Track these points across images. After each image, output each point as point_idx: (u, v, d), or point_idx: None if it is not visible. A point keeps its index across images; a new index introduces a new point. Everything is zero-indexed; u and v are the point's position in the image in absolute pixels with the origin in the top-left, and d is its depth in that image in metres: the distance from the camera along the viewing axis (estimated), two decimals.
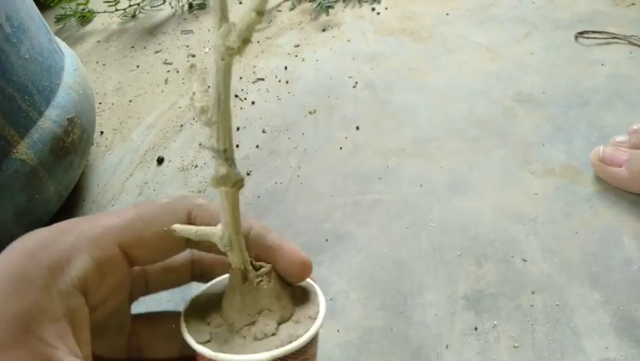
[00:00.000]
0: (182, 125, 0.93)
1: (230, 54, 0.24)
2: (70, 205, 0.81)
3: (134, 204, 0.30)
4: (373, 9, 1.15)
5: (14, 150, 0.65)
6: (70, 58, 0.84)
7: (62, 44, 0.87)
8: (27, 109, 0.68)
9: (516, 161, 0.74)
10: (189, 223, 0.30)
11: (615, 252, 0.60)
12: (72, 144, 0.74)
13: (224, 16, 0.24)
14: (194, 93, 0.26)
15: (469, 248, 0.63)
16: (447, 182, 0.73)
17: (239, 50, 0.24)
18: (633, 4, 0.99)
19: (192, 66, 0.28)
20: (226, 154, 0.27)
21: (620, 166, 0.64)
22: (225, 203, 0.27)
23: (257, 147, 0.86)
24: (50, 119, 0.71)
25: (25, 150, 0.66)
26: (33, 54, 0.70)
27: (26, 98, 0.67)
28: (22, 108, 0.67)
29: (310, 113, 0.90)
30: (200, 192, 0.80)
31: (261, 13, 0.22)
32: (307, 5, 1.20)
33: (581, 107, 0.80)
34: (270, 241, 0.31)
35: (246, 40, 0.23)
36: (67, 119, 0.74)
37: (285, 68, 1.02)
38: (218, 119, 0.26)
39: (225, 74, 0.25)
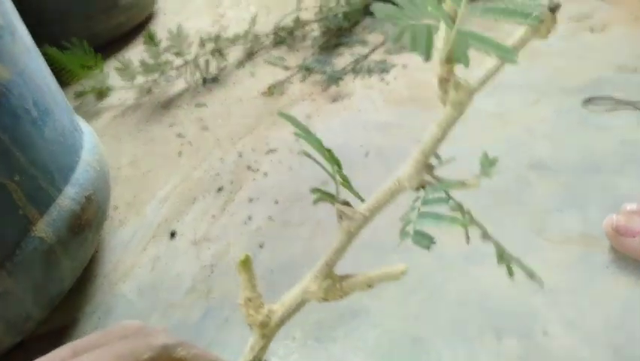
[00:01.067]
0: (194, 198, 0.97)
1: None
2: (83, 282, 0.83)
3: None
4: (382, 79, 1.21)
5: (34, 228, 0.69)
6: (88, 135, 0.89)
7: (82, 122, 0.93)
8: (47, 188, 0.72)
9: (532, 229, 0.76)
10: None
11: (638, 322, 0.60)
12: (88, 221, 0.78)
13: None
14: (248, 300, 0.29)
15: (489, 322, 0.64)
16: (462, 252, 0.74)
17: None
18: (637, 69, 1.04)
19: (247, 260, 0.31)
20: None
21: (634, 236, 0.66)
22: None
23: (269, 218, 0.89)
24: (69, 197, 0.75)
25: (44, 228, 0.70)
26: (55, 135, 0.75)
27: (47, 177, 0.72)
28: (43, 187, 0.71)
29: (322, 184, 0.94)
30: (212, 265, 0.82)
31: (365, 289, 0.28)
32: (318, 77, 1.27)
33: (594, 173, 0.83)
34: None
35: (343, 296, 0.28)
36: (85, 196, 0.78)
37: (297, 139, 1.07)
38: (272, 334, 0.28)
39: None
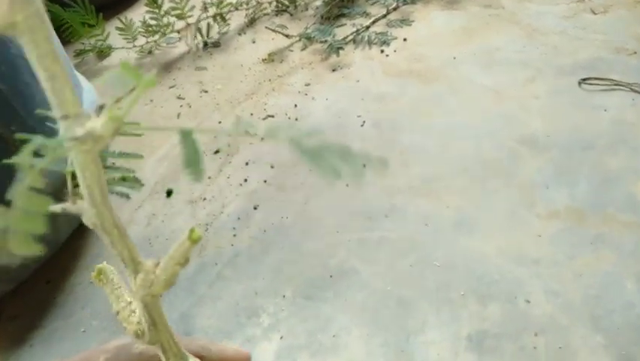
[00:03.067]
0: None
1: (153, 297, 0.25)
2: (79, 234, 0.82)
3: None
4: (382, 51, 1.19)
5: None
6: (88, 92, 0.87)
7: (82, 78, 0.91)
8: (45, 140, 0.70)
9: (521, 202, 0.75)
10: None
11: (617, 295, 0.60)
12: None
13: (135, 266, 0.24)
14: (117, 313, 0.26)
15: (474, 288, 0.64)
16: (453, 221, 0.74)
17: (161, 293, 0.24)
18: (635, 52, 1.03)
19: (100, 272, 0.27)
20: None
21: None
22: None
23: (265, 181, 0.88)
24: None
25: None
26: None
27: (46, 130, 0.70)
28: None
29: None
30: (207, 224, 0.82)
31: (183, 264, 0.23)
32: (318, 46, 1.25)
33: (584, 151, 0.82)
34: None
35: (169, 285, 0.24)
36: None
37: (295, 105, 1.06)
38: (158, 339, 0.26)
39: (155, 311, 0.25)
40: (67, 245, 0.79)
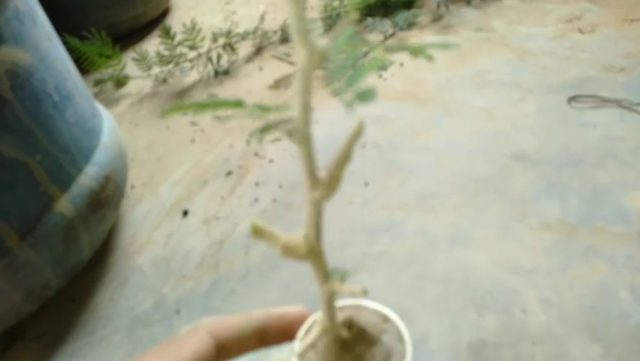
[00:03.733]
0: (205, 181, 0.98)
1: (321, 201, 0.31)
2: (101, 255, 0.84)
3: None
4: (380, 75, 1.21)
5: (55, 205, 0.70)
6: (107, 121, 0.90)
7: (101, 108, 0.94)
8: (68, 167, 0.73)
9: (513, 216, 0.76)
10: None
11: (612, 305, 0.61)
12: (106, 199, 0.79)
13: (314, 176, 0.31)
14: (283, 245, 0.33)
15: (471, 299, 0.65)
16: (448, 235, 0.75)
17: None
18: (623, 69, 1.04)
19: (256, 227, 0.33)
20: None
21: None
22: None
23: (274, 200, 0.89)
24: (89, 176, 0.76)
25: (65, 205, 0.71)
26: (76, 119, 0.76)
27: (68, 157, 0.73)
28: (64, 167, 0.72)
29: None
30: (220, 242, 0.83)
31: (349, 161, 0.29)
32: (320, 72, 1.27)
33: (575, 166, 0.83)
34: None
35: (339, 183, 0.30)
36: (104, 176, 0.78)
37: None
38: (318, 248, 0.32)
39: (320, 218, 0.31)
40: (90, 265, 0.81)
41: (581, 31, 1.20)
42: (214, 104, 0.33)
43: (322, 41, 0.28)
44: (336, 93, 0.30)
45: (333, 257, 0.77)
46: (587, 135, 0.89)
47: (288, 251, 0.35)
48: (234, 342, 0.31)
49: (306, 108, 0.30)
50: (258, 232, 0.35)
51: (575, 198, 0.77)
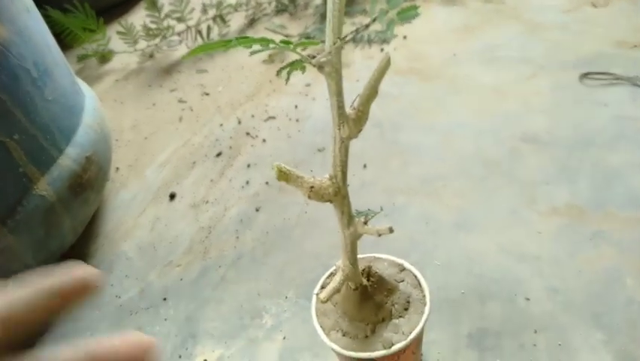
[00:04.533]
0: (194, 162, 0.98)
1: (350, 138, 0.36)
2: (84, 240, 0.84)
3: None
4: (382, 49, 1.20)
5: (35, 187, 0.69)
6: (90, 99, 0.89)
7: (83, 85, 0.93)
8: (48, 148, 0.72)
9: (521, 200, 0.76)
10: None
11: (618, 292, 0.61)
12: (89, 181, 0.79)
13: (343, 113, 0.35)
14: (311, 188, 0.39)
15: (474, 286, 0.65)
16: (452, 220, 0.75)
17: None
18: (636, 45, 1.03)
19: (280, 170, 0.39)
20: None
21: None
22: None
23: (267, 183, 0.89)
24: (70, 157, 0.75)
25: (45, 187, 0.71)
26: (56, 96, 0.76)
27: (48, 137, 0.72)
28: (44, 147, 0.71)
29: (319, 150, 0.94)
30: (209, 227, 0.83)
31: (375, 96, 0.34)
32: (319, 46, 1.26)
33: (586, 147, 0.83)
34: None
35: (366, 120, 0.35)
36: (86, 157, 0.78)
37: (296, 106, 1.07)
38: (345, 188, 0.39)
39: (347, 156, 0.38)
40: (73, 251, 0.81)
41: (594, 4, 1.19)
42: (240, 42, 0.34)
43: None
44: (379, 16, 0.31)
45: (329, 243, 0.77)
46: (598, 115, 0.89)
47: (315, 193, 0.39)
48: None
49: (337, 39, 0.33)
50: (283, 176, 0.40)
51: (585, 181, 0.77)
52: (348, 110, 0.37)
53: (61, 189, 0.73)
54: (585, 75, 0.98)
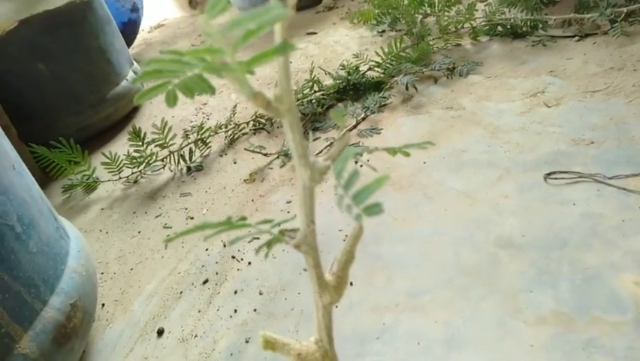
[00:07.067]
0: (181, 292, 0.95)
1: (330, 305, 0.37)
2: None
3: None
4: (356, 162, 1.24)
5: (17, 346, 0.66)
6: (75, 240, 0.88)
7: (67, 225, 0.92)
8: (32, 301, 0.70)
9: (507, 310, 0.75)
10: None
11: None
12: (74, 329, 0.75)
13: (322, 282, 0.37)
14: (298, 355, 0.37)
15: None
16: (443, 338, 0.73)
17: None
18: (592, 142, 1.08)
19: (266, 340, 0.40)
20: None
21: None
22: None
23: (255, 310, 0.87)
24: (54, 307, 0.73)
25: (27, 344, 0.67)
26: (40, 246, 0.74)
27: (32, 291, 0.70)
28: (28, 302, 0.69)
29: (305, 270, 0.93)
30: None
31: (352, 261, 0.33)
32: None
33: (560, 248, 0.84)
34: None
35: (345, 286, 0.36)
36: (70, 304, 0.76)
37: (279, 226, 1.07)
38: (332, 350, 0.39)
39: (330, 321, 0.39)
40: None
41: (546, 104, 1.26)
42: (210, 226, 0.35)
43: (322, 163, 0.32)
44: (346, 209, 0.32)
45: None
46: (568, 214, 0.91)
47: (303, 360, 0.39)
48: None
49: (310, 221, 0.34)
50: (269, 345, 0.39)
51: (566, 284, 0.77)
52: (327, 275, 0.37)
53: (44, 343, 0.70)
54: (549, 175, 1.01)
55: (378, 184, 0.30)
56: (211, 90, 0.31)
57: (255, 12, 0.23)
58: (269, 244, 0.40)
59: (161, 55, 0.29)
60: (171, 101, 0.30)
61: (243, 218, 0.38)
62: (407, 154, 0.53)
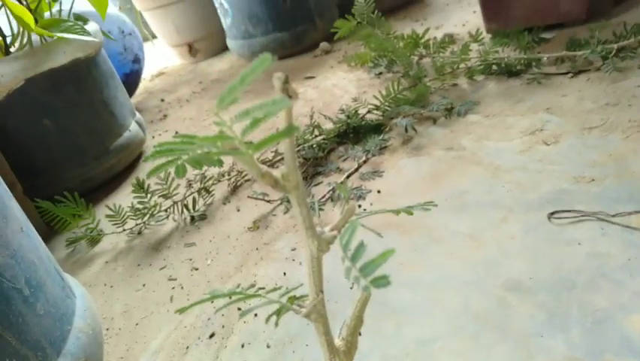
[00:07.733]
0: (187, 347, 0.95)
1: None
2: None
3: None
4: (360, 206, 1.25)
5: None
6: (80, 298, 0.88)
7: (73, 283, 0.93)
8: None
9: (519, 357, 0.75)
10: None
11: None
12: None
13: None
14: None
15: None
16: None
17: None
18: (593, 180, 1.09)
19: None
20: None
21: None
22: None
23: None
24: None
25: None
26: (47, 308, 0.75)
27: (39, 354, 0.70)
28: None
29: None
30: None
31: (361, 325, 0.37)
32: None
33: (569, 290, 0.84)
34: None
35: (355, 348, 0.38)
36: None
37: (284, 273, 1.07)
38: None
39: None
40: None
41: (545, 142, 1.28)
42: (222, 295, 0.37)
43: (329, 234, 0.34)
44: (354, 280, 0.33)
45: None
46: (574, 254, 0.91)
47: None
48: None
49: (319, 290, 0.35)
50: None
51: (577, 329, 0.76)
52: (337, 340, 0.38)
53: None
54: (552, 214, 1.02)
55: (384, 258, 0.32)
56: (219, 163, 0.32)
57: (262, 103, 0.25)
58: (278, 313, 0.41)
59: (174, 138, 0.31)
60: (180, 173, 0.32)
61: (252, 286, 0.40)
62: (410, 213, 0.54)
